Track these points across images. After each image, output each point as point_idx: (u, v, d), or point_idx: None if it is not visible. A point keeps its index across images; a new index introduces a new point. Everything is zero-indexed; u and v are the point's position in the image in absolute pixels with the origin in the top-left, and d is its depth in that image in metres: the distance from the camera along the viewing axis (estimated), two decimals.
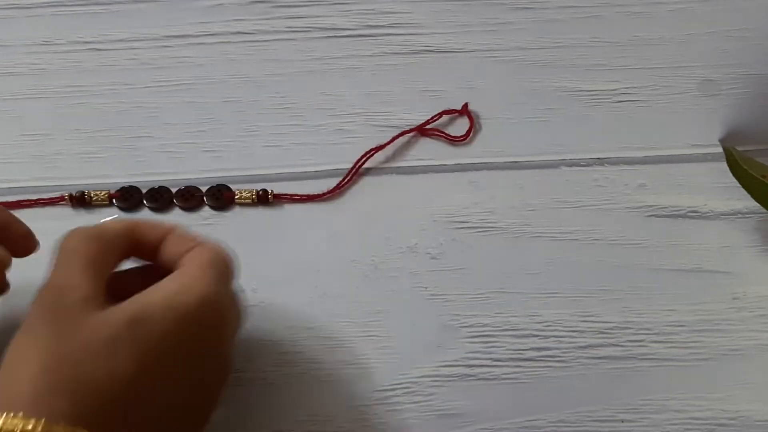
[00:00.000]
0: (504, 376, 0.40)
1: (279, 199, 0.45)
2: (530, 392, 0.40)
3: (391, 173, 0.46)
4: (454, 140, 0.47)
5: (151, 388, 0.31)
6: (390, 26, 0.51)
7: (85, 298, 0.31)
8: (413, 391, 0.40)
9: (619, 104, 0.48)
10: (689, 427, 0.39)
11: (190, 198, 0.45)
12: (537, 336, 0.41)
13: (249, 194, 0.45)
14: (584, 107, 0.48)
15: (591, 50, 0.50)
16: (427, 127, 0.47)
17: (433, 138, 0.47)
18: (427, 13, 0.52)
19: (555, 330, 0.42)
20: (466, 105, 0.48)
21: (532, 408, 0.40)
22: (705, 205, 0.45)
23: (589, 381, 0.40)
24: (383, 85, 0.49)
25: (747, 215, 0.44)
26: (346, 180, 0.45)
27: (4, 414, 0.27)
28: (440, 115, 0.47)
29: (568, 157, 0.47)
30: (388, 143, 0.46)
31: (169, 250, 0.35)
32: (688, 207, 0.45)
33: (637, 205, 0.45)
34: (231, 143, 0.47)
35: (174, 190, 0.45)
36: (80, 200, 0.45)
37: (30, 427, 0.27)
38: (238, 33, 0.51)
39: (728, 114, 0.47)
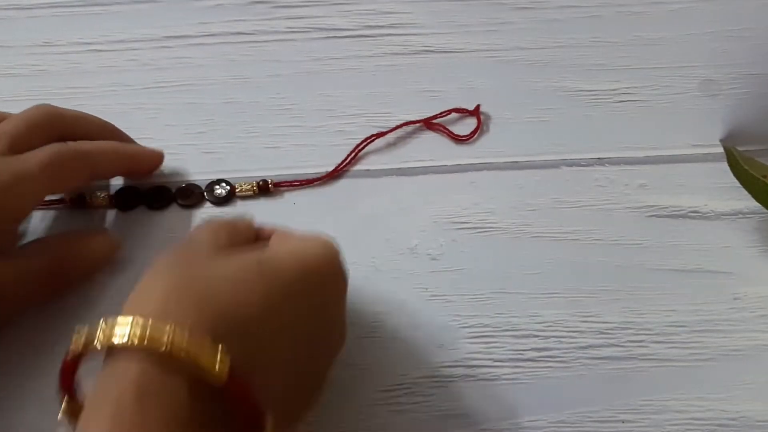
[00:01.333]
0: (504, 377, 0.40)
1: (279, 188, 0.45)
2: (531, 393, 0.40)
3: (391, 174, 0.46)
4: (457, 138, 0.47)
5: (274, 330, 0.31)
6: (390, 26, 0.51)
7: (217, 246, 0.33)
8: (414, 392, 0.40)
9: (620, 104, 0.48)
10: (690, 427, 0.39)
11: (190, 195, 0.45)
12: (537, 336, 0.41)
13: (249, 186, 0.45)
14: (585, 107, 0.48)
15: (591, 50, 0.50)
16: (434, 121, 0.47)
17: (436, 132, 0.47)
18: (427, 13, 0.52)
19: (555, 330, 0.42)
20: (478, 107, 0.48)
21: (533, 408, 0.40)
22: (706, 205, 0.45)
23: (589, 381, 0.40)
24: (383, 85, 0.49)
25: (748, 215, 0.44)
26: (344, 163, 0.45)
27: (135, 317, 0.28)
28: (449, 112, 0.47)
29: (568, 157, 0.47)
30: (391, 131, 0.46)
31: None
32: (689, 207, 0.45)
33: (638, 205, 0.45)
34: (231, 144, 0.47)
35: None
36: (79, 202, 0.45)
37: (159, 333, 0.27)
38: (238, 33, 0.51)
39: (729, 114, 0.47)
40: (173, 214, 0.45)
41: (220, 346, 0.28)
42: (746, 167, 0.43)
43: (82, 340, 0.29)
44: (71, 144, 0.40)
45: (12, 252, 0.39)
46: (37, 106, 0.41)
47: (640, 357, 0.41)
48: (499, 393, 0.40)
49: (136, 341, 0.27)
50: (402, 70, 0.50)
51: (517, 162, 0.47)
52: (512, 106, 0.48)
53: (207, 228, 0.35)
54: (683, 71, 0.49)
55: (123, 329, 0.28)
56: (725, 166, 0.44)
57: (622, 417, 0.39)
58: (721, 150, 0.46)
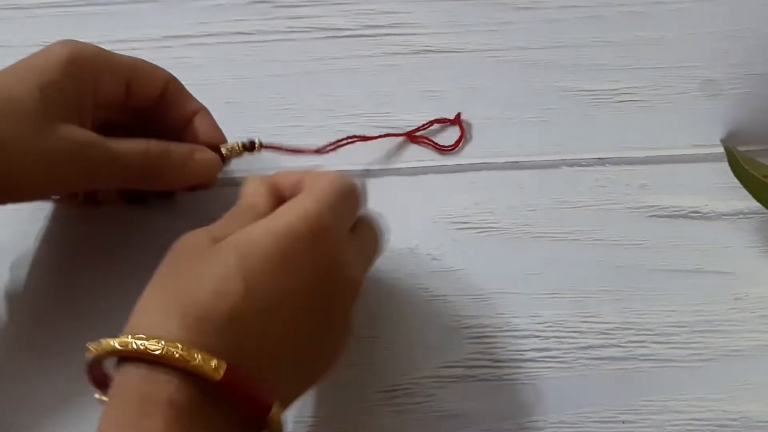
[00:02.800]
0: (505, 377, 0.40)
1: (266, 149, 0.44)
2: (531, 393, 0.40)
3: (391, 174, 0.46)
4: (442, 149, 0.47)
5: (261, 311, 0.31)
6: (390, 26, 0.51)
7: (212, 239, 0.32)
8: (414, 393, 0.40)
9: (621, 104, 0.48)
10: (691, 428, 0.39)
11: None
12: (538, 337, 0.41)
13: (237, 145, 0.44)
14: (585, 107, 0.48)
15: (592, 50, 0.50)
16: (417, 134, 0.47)
17: (421, 145, 0.47)
18: (427, 13, 0.51)
19: (556, 331, 0.41)
20: (458, 115, 0.47)
21: (533, 409, 0.39)
22: (706, 205, 0.45)
23: (590, 382, 0.40)
24: (383, 85, 0.49)
25: (748, 215, 0.44)
26: (325, 149, 0.45)
27: (128, 336, 0.29)
28: (431, 123, 0.47)
29: (568, 157, 0.46)
30: (373, 138, 0.46)
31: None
32: (690, 207, 0.45)
33: (639, 206, 0.45)
34: None
35: None
36: (91, 199, 0.44)
37: (148, 346, 0.29)
38: (238, 33, 0.51)
39: (729, 114, 0.47)
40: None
41: (213, 359, 0.29)
42: (747, 167, 0.43)
43: (93, 354, 0.31)
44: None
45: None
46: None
47: (640, 357, 0.41)
48: (499, 393, 0.40)
49: (137, 355, 0.29)
50: (402, 69, 0.49)
51: (517, 162, 0.46)
52: (512, 106, 0.48)
53: (200, 232, 0.34)
54: (684, 71, 0.49)
55: (126, 345, 0.29)
56: (726, 166, 0.44)
57: (623, 417, 0.39)
58: (721, 150, 0.46)
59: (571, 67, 0.49)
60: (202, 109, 0.43)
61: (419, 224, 0.44)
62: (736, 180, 0.43)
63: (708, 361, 0.41)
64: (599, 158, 0.46)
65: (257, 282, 0.31)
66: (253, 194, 0.36)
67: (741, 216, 0.44)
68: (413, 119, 0.48)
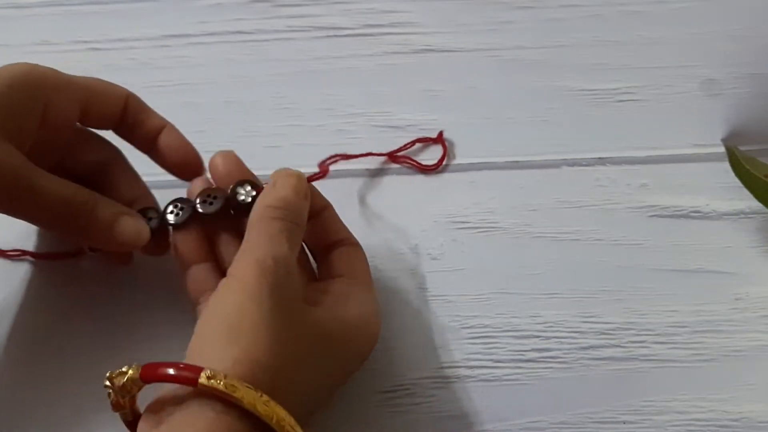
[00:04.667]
0: (505, 378, 0.40)
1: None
2: (531, 393, 0.40)
3: (391, 174, 0.46)
4: (425, 169, 0.46)
5: (316, 376, 0.35)
6: (390, 25, 0.51)
7: (299, 287, 0.35)
8: (414, 393, 0.40)
9: (621, 104, 0.48)
10: (691, 428, 0.39)
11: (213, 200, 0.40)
12: (538, 337, 0.41)
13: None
14: (586, 107, 0.48)
15: (592, 50, 0.50)
16: (399, 153, 0.46)
17: (403, 165, 0.46)
18: (428, 12, 0.51)
19: (556, 331, 0.41)
20: (441, 133, 0.47)
21: (534, 409, 0.39)
22: (707, 205, 0.45)
23: (590, 382, 0.40)
24: (383, 85, 0.49)
25: (749, 215, 0.44)
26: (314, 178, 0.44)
27: (224, 380, 0.31)
28: (413, 143, 0.46)
29: (569, 156, 0.46)
30: (355, 156, 0.45)
31: (324, 229, 0.40)
32: (691, 207, 0.45)
33: (639, 205, 0.45)
34: (231, 144, 0.46)
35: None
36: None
37: (245, 397, 0.30)
38: (238, 32, 0.51)
39: (730, 114, 0.47)
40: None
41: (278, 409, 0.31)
42: (748, 167, 0.43)
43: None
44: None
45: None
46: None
47: (641, 358, 0.41)
48: (499, 394, 0.40)
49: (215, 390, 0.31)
50: (402, 69, 0.49)
51: (517, 162, 0.46)
52: (512, 106, 0.48)
53: (269, 268, 0.34)
54: (685, 71, 0.49)
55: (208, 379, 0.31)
56: (727, 165, 0.44)
57: (624, 418, 0.39)
58: (722, 150, 0.46)
59: (571, 67, 0.49)
60: (168, 125, 0.42)
61: (419, 224, 0.44)
62: (737, 180, 0.43)
63: (709, 361, 0.40)
64: (600, 158, 0.46)
65: (316, 358, 0.35)
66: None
67: (742, 216, 0.44)
68: (413, 119, 0.48)
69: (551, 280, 0.43)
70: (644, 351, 0.41)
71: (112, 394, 0.32)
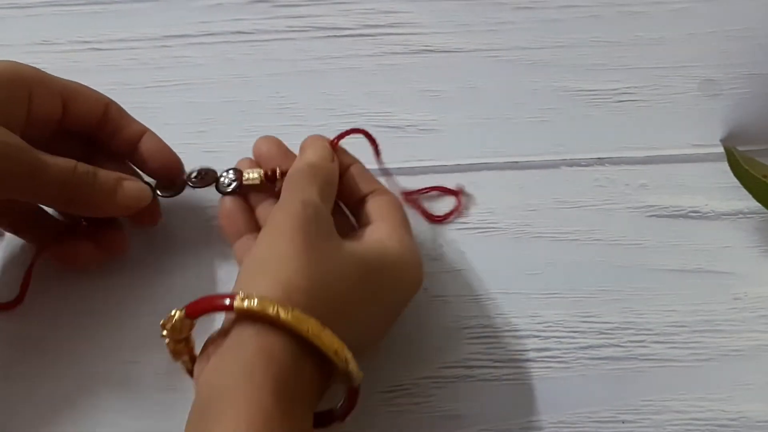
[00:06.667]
0: (504, 377, 0.40)
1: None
2: (531, 393, 0.40)
3: (391, 174, 0.46)
4: (432, 218, 0.45)
5: (357, 306, 0.36)
6: (390, 25, 0.51)
7: (331, 225, 0.37)
8: (414, 393, 0.40)
9: (620, 104, 0.48)
10: (690, 427, 0.39)
11: (205, 176, 0.43)
12: (537, 337, 0.41)
13: (256, 176, 0.42)
14: (585, 107, 0.48)
15: (592, 50, 0.50)
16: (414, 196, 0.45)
17: (411, 207, 0.44)
18: (428, 12, 0.51)
19: (555, 331, 0.41)
20: (460, 191, 0.45)
21: (533, 409, 0.40)
22: (706, 205, 0.45)
23: (589, 382, 0.40)
24: (383, 85, 0.49)
25: (748, 215, 0.44)
26: None
27: (258, 298, 0.32)
28: (430, 189, 0.45)
29: (568, 157, 0.46)
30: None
31: (353, 183, 0.41)
32: (689, 207, 0.45)
33: (638, 205, 0.45)
34: (231, 144, 0.47)
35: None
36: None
37: (280, 312, 0.32)
38: (238, 32, 0.51)
39: (729, 114, 0.47)
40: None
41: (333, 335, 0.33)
42: (747, 167, 0.43)
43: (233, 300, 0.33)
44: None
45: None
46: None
47: (640, 357, 0.41)
48: (499, 394, 0.40)
49: (265, 314, 0.32)
50: (402, 69, 0.49)
51: (517, 162, 0.46)
52: (512, 106, 0.48)
53: (308, 206, 0.36)
54: (683, 71, 0.49)
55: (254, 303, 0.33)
56: (726, 166, 0.44)
57: (623, 417, 0.39)
58: (721, 150, 0.46)
59: (570, 67, 0.49)
60: (147, 131, 0.42)
61: (419, 224, 0.44)
62: (735, 180, 0.43)
63: (707, 360, 0.41)
64: (599, 158, 0.46)
65: (364, 290, 0.36)
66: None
67: (741, 216, 0.44)
68: (413, 119, 0.48)
69: (550, 280, 0.43)
70: (643, 350, 0.41)
71: (169, 341, 0.35)
